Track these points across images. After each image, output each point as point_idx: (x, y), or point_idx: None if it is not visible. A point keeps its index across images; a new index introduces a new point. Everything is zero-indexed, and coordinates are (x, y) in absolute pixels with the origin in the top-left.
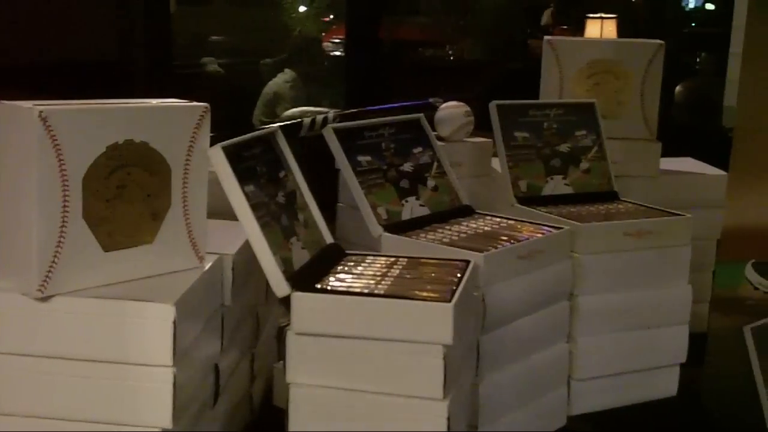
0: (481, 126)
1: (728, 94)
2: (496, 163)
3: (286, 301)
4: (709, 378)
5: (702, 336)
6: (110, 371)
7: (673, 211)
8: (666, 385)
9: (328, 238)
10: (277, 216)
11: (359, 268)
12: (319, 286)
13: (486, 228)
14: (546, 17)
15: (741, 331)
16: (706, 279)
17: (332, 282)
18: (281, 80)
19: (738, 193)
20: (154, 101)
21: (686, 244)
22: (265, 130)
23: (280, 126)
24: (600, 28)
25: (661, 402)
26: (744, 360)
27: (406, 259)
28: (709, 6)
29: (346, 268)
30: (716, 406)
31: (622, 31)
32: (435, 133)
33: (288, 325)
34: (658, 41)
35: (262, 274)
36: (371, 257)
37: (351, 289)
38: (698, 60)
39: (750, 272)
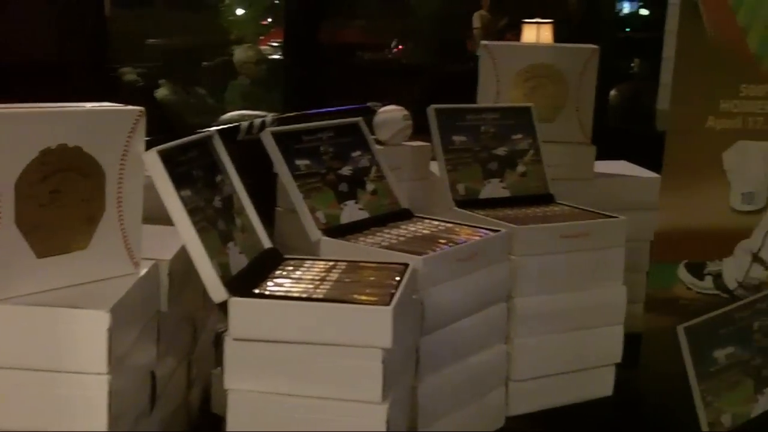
0: (420, 130)
1: (661, 98)
2: (434, 167)
3: (223, 307)
4: (644, 377)
5: (637, 336)
6: (44, 380)
7: (607, 213)
8: (602, 385)
9: (266, 243)
10: (214, 220)
11: (298, 272)
12: (256, 291)
13: (425, 231)
14: (476, 21)
15: (675, 331)
16: (641, 280)
17: (270, 287)
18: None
19: (671, 195)
20: (88, 105)
21: (621, 246)
22: (201, 134)
23: (217, 130)
24: (536, 33)
25: (598, 402)
26: (678, 359)
27: (345, 263)
28: (644, 11)
29: (284, 273)
30: (651, 406)
31: (558, 36)
32: (374, 137)
33: (226, 330)
34: (593, 46)
35: (199, 279)
36: (310, 261)
37: (289, 294)
38: (632, 64)
39: (683, 273)
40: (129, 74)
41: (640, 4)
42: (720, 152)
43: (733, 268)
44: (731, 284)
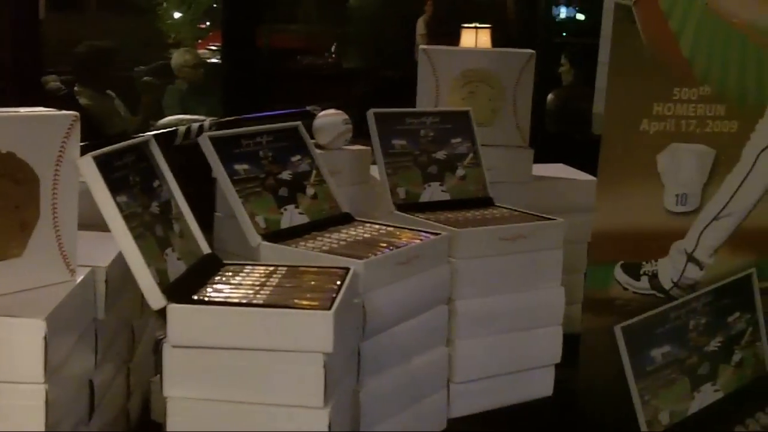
0: (360, 134)
1: (597, 102)
2: (374, 171)
3: (162, 314)
4: (583, 377)
5: (575, 336)
6: None
7: (545, 215)
8: (542, 385)
9: (205, 249)
10: (152, 226)
11: (237, 278)
12: (195, 297)
13: (365, 235)
14: (421, 26)
15: (612, 331)
16: (578, 281)
17: (209, 293)
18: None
19: (606, 197)
20: (22, 110)
21: (558, 248)
22: (138, 139)
23: (154, 135)
24: (475, 37)
25: (538, 402)
26: (616, 358)
27: (285, 268)
28: (580, 16)
29: (223, 279)
30: (590, 405)
31: (496, 41)
32: (313, 141)
33: (165, 337)
34: (529, 51)
35: (136, 286)
36: (249, 267)
37: (229, 300)
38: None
39: (619, 273)
40: (52, 82)
41: (577, 9)
42: (654, 155)
43: (669, 268)
44: (667, 284)
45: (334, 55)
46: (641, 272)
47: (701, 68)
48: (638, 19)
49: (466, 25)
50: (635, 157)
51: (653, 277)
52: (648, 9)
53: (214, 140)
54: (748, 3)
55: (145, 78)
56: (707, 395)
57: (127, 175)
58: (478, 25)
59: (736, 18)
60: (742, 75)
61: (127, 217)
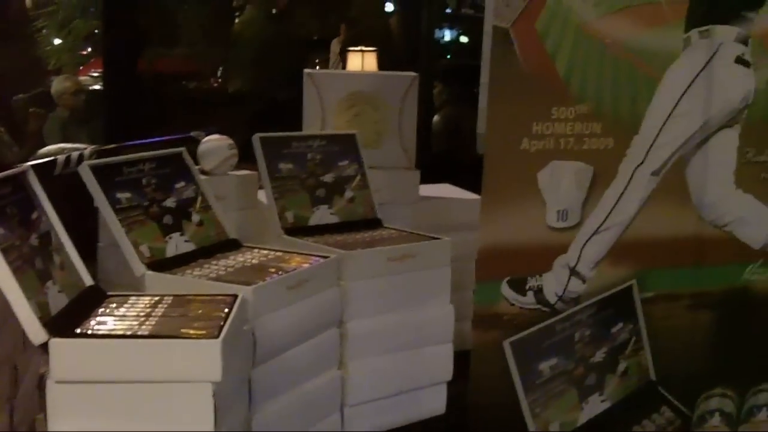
0: (246, 158)
1: (480, 123)
2: (262, 195)
3: (45, 348)
4: (475, 393)
5: (466, 353)
6: None
7: (432, 235)
8: (434, 403)
9: (88, 280)
10: (31, 259)
11: (122, 309)
12: (78, 330)
13: (254, 261)
14: (335, 46)
15: (501, 346)
16: (467, 298)
17: (93, 326)
18: None
19: (491, 215)
20: None
21: (446, 266)
22: (14, 170)
23: (32, 165)
24: (361, 60)
25: (431, 420)
26: (506, 373)
27: (171, 297)
28: (464, 39)
29: (107, 311)
30: (482, 420)
31: (383, 64)
32: (198, 166)
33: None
34: (412, 73)
35: (17, 321)
36: (134, 297)
37: (113, 332)
38: (455, 90)
39: (505, 289)
40: None
41: (460, 32)
42: (535, 172)
43: (553, 283)
44: (551, 298)
45: (219, 79)
46: (527, 287)
47: (577, 88)
48: (515, 41)
49: (351, 48)
50: (517, 175)
51: (538, 291)
52: (524, 31)
53: (94, 169)
54: (620, 24)
55: (32, 109)
56: (595, 405)
57: (4, 207)
58: (364, 48)
59: (609, 38)
60: (616, 93)
61: (5, 251)
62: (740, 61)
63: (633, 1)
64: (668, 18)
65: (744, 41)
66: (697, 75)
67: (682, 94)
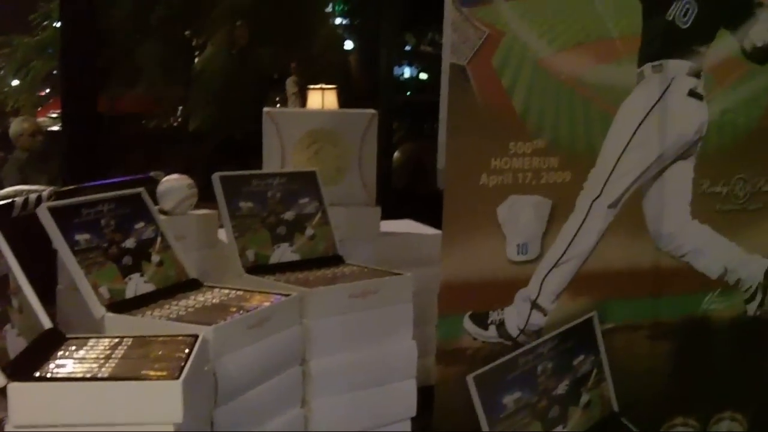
0: (207, 197)
1: (440, 158)
2: (222, 234)
3: (3, 393)
4: (440, 428)
5: (430, 388)
6: None
7: (394, 270)
8: None
9: (47, 323)
10: None
11: (81, 351)
12: (37, 374)
13: (215, 300)
14: (291, 85)
15: (465, 381)
16: (430, 333)
17: (52, 369)
18: None
19: (452, 250)
20: None
21: (408, 301)
22: None
23: None
24: (321, 98)
25: None
26: (470, 407)
27: (131, 339)
28: (423, 75)
29: (67, 353)
30: None
31: (344, 100)
32: (158, 206)
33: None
34: (372, 111)
35: None
36: (94, 340)
37: (72, 375)
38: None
39: (468, 323)
40: None
41: (419, 69)
42: (495, 207)
43: (514, 316)
44: (513, 331)
45: (179, 118)
46: (489, 321)
47: (534, 123)
48: (472, 78)
49: (312, 86)
50: (477, 210)
51: (500, 325)
52: (481, 68)
53: (53, 210)
54: (575, 60)
55: None
56: None
57: None
58: (324, 85)
59: (564, 74)
60: (573, 128)
61: None
62: (693, 94)
63: (587, 37)
64: (622, 53)
65: (696, 75)
66: (651, 108)
67: (637, 128)
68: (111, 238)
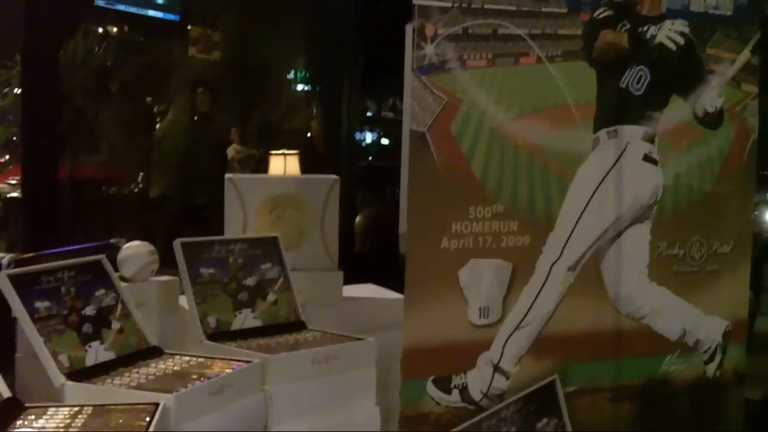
0: (168, 263)
1: (402, 222)
2: (183, 301)
3: None
4: None
5: None
6: None
7: (357, 335)
8: None
9: (5, 392)
10: None
11: (40, 421)
12: None
13: (176, 368)
14: (231, 153)
15: None
16: (393, 398)
17: None
18: None
19: (414, 314)
20: None
21: (371, 367)
22: None
23: None
24: (283, 163)
25: None
26: None
27: (91, 408)
28: (385, 141)
29: (26, 423)
30: None
31: (306, 166)
32: (119, 273)
33: None
34: (333, 176)
35: None
36: (54, 409)
37: None
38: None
39: (431, 388)
40: None
41: (381, 134)
42: (456, 271)
43: (477, 380)
44: (476, 396)
45: (140, 185)
46: (452, 385)
47: (493, 187)
48: (432, 144)
49: (274, 151)
50: (439, 274)
51: (463, 389)
52: (440, 134)
53: (13, 278)
54: (532, 126)
55: None
56: None
57: None
58: (286, 151)
59: (521, 140)
60: (531, 192)
61: None
62: (648, 158)
63: (543, 104)
64: (577, 119)
65: (650, 140)
66: (607, 173)
67: (594, 192)
68: (71, 306)
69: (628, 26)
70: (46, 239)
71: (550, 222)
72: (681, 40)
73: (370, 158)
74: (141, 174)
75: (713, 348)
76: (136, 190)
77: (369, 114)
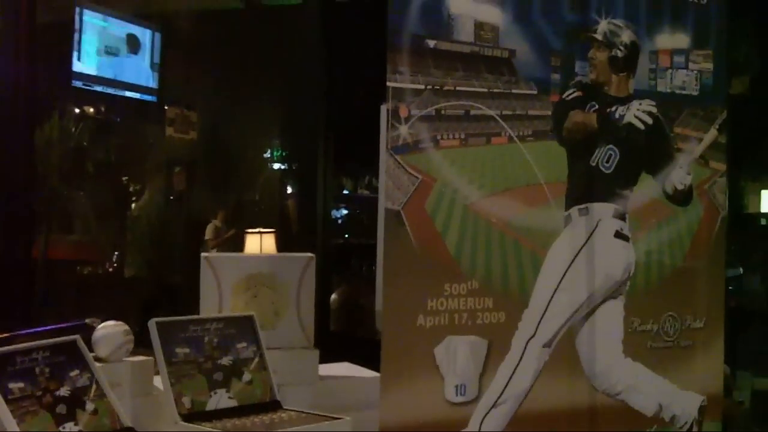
0: (143, 342)
1: (378, 301)
2: (158, 381)
3: None
4: None
5: None
6: None
7: (333, 415)
8: None
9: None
10: None
11: None
12: None
13: None
14: (209, 232)
15: None
16: None
17: None
18: None
19: (390, 393)
20: None
21: None
22: None
23: None
24: (259, 242)
25: None
26: None
27: None
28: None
29: None
30: None
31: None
32: (93, 354)
33: None
34: (309, 254)
35: None
36: None
37: None
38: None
39: None
40: None
41: (357, 211)
42: (432, 348)
43: None
44: None
45: (115, 264)
46: None
47: (467, 264)
48: (407, 222)
49: (250, 230)
50: (415, 352)
51: None
52: (415, 212)
53: None
54: (505, 204)
55: None
56: None
57: None
58: (262, 229)
59: (494, 218)
60: (505, 269)
61: None
62: (619, 235)
63: (515, 182)
64: (549, 197)
65: (621, 217)
66: (579, 250)
67: (567, 269)
68: (45, 387)
69: (597, 107)
70: (20, 320)
71: (524, 298)
72: (649, 120)
73: (346, 235)
74: (116, 253)
75: (689, 423)
76: (110, 269)
77: (345, 192)
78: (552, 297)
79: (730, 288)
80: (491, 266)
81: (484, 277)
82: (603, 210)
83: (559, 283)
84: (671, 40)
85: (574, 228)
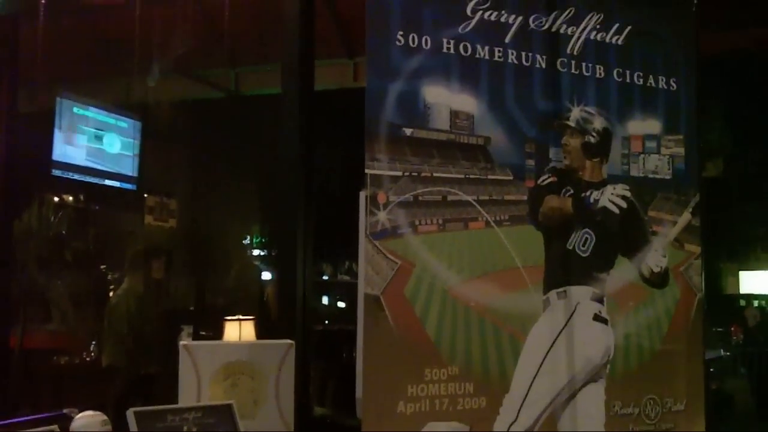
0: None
1: (359, 388)
2: None
3: None
4: None
5: None
6: None
7: None
8: None
9: None
10: None
11: None
12: None
13: None
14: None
15: None
16: None
17: None
18: None
19: None
20: None
21: None
22: None
23: None
24: (238, 329)
25: None
26: None
27: None
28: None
29: None
30: None
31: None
32: None
33: None
34: (288, 341)
35: None
36: None
37: None
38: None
39: None
40: None
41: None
42: None
43: None
44: None
45: (92, 353)
46: None
47: (447, 349)
48: (387, 307)
49: (229, 317)
50: None
51: None
52: (394, 298)
53: None
54: (483, 288)
55: None
56: None
57: None
58: (241, 317)
59: (473, 302)
60: (484, 354)
61: None
62: (598, 318)
63: (493, 266)
64: (527, 281)
65: (599, 300)
66: (559, 333)
67: (547, 353)
68: None
69: (572, 191)
70: None
71: (505, 383)
72: (623, 204)
73: (326, 321)
74: (93, 343)
75: None
76: (88, 359)
77: (325, 277)
78: (533, 381)
79: (711, 370)
80: (471, 351)
81: (465, 362)
82: (581, 293)
83: (540, 367)
84: (643, 125)
85: (553, 311)
